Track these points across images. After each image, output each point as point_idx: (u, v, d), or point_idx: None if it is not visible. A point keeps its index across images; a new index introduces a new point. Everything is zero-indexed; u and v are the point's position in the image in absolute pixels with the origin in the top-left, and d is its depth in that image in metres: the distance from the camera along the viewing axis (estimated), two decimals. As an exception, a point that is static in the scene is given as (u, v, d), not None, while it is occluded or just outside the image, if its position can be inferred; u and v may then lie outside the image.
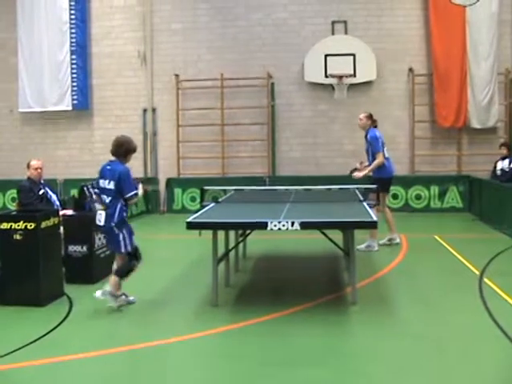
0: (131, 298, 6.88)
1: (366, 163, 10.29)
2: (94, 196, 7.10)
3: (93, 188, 8.53)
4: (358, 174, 10.06)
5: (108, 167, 6.68)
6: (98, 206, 6.96)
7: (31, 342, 5.66)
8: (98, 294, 6.53)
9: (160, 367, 5.14)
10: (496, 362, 5.10)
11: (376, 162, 9.94)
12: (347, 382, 4.75)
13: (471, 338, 5.69)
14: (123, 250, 6.62)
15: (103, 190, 6.67)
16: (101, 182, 6.72)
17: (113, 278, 6.63)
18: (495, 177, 13.15)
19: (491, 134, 15.08)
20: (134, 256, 6.74)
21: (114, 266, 6.82)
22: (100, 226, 6.69)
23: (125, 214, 6.67)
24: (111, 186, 6.56)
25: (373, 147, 10.00)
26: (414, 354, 5.31)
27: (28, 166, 8.77)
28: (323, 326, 6.05)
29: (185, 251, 10.15)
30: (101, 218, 6.61)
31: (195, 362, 5.32)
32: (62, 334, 6.02)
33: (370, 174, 10.08)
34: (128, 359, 5.35)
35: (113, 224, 6.53)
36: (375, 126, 10.22)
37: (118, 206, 6.56)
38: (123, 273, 6.66)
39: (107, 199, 6.59)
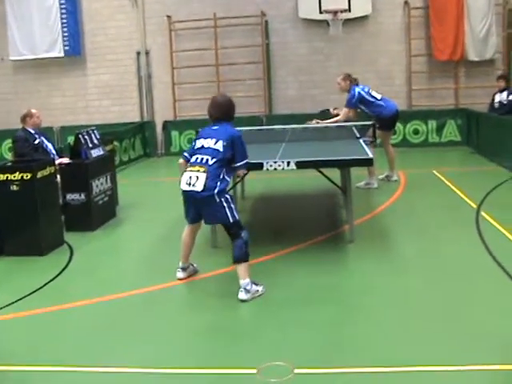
0: (195, 265, 6.13)
1: (336, 112, 10.22)
2: (181, 161, 5.66)
3: (88, 135, 8.50)
4: (311, 122, 9.85)
5: (214, 127, 5.62)
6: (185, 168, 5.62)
7: (34, 291, 5.75)
8: (242, 296, 5.29)
9: (164, 310, 5.24)
10: (490, 292, 5.18)
11: (336, 119, 9.84)
12: (346, 318, 4.85)
13: (467, 269, 5.78)
14: (232, 219, 5.39)
15: (204, 150, 5.49)
16: (199, 141, 5.60)
17: (241, 268, 5.37)
18: (493, 110, 13.04)
19: (489, 67, 14.88)
20: (239, 226, 5.49)
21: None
22: (192, 191, 5.39)
23: (228, 183, 5.54)
24: (219, 146, 5.44)
25: (346, 102, 9.85)
26: (412, 287, 5.41)
27: (27, 116, 8.60)
28: (322, 264, 6.14)
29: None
30: (196, 181, 5.37)
31: (198, 303, 5.42)
32: (65, 281, 6.10)
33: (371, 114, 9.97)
34: (133, 304, 5.42)
35: (215, 191, 5.32)
36: (356, 84, 10.02)
37: (224, 171, 5.44)
38: (246, 254, 5.38)
39: (210, 161, 5.40)
